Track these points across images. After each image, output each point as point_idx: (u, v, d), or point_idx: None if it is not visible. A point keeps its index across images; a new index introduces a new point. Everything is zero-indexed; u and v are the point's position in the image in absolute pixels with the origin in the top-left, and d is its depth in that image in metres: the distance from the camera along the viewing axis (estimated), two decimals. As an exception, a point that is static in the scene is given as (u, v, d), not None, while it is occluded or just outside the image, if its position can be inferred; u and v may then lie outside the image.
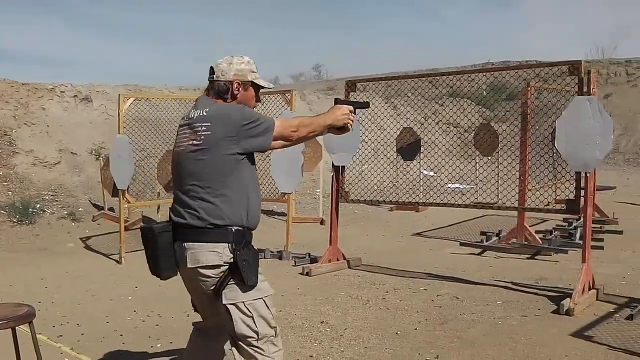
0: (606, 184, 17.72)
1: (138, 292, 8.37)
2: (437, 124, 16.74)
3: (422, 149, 12.50)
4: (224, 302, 3.70)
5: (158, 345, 6.24)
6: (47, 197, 14.33)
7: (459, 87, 21.57)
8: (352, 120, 4.12)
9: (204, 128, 3.72)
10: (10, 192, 14.06)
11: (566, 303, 6.85)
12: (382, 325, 6.64)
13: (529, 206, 9.69)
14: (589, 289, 7.28)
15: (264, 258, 9.90)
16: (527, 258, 9.83)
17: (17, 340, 4.59)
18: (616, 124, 24.25)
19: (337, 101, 4.16)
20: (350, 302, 7.58)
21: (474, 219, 13.53)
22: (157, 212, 12.89)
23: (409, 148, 13.80)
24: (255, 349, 3.72)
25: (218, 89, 3.92)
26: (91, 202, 14.71)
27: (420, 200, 14.40)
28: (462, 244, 10.82)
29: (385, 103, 21.68)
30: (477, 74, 10.36)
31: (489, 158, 15.37)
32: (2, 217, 13.13)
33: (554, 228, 11.66)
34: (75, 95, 17.55)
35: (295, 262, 9.70)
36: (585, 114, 7.10)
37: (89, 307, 7.72)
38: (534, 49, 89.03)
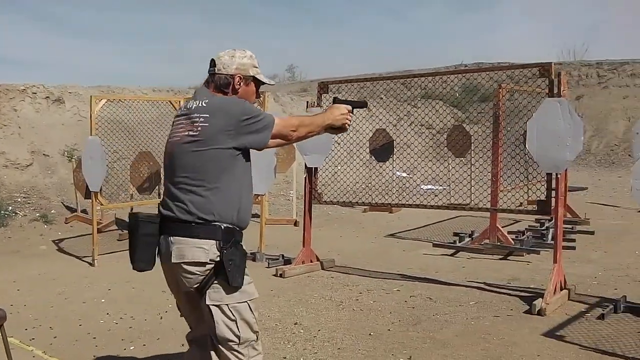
0: (578, 184, 17.91)
1: (111, 294, 8.33)
2: (409, 125, 16.76)
3: (395, 150, 12.53)
4: (207, 303, 3.61)
5: (131, 348, 6.20)
6: (19, 199, 14.22)
7: (431, 89, 21.69)
8: (350, 120, 4.07)
9: (202, 119, 3.63)
10: (-19, 195, 13.96)
11: (538, 303, 6.90)
12: (356, 326, 6.65)
13: (501, 207, 9.75)
14: (561, 289, 7.34)
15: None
16: (500, 259, 9.88)
17: (-12, 344, 4.56)
18: (587, 125, 24.54)
19: (335, 100, 4.09)
20: (324, 303, 7.59)
21: (447, 220, 13.58)
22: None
23: (382, 149, 13.84)
24: (235, 352, 3.64)
25: (219, 83, 3.83)
26: (64, 204, 14.62)
27: (394, 202, 14.49)
28: (435, 245, 10.85)
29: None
30: (449, 76, 10.41)
31: (462, 159, 15.45)
32: (-26, 220, 13.04)
33: (526, 229, 11.74)
34: (48, 97, 17.43)
35: (268, 263, 9.68)
36: (555, 116, 7.15)
37: (62, 309, 7.66)
38: (506, 51, 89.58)
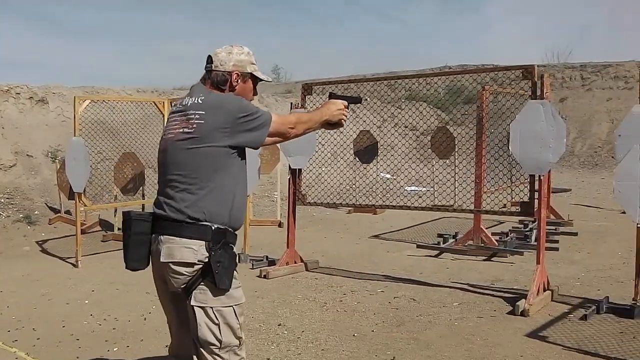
0: (562, 186, 17.96)
1: (95, 295, 8.31)
2: (394, 127, 16.80)
3: (379, 151, 12.55)
4: (192, 304, 3.54)
5: (115, 350, 6.19)
6: (2, 200, 14.16)
7: (416, 91, 21.68)
8: (346, 116, 4.03)
9: (197, 116, 3.57)
10: (-36, 196, 13.90)
11: (521, 304, 6.93)
12: (339, 327, 6.66)
13: (484, 209, 9.77)
14: (544, 290, 7.37)
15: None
16: (484, 260, 9.91)
17: (-30, 346, 4.55)
18: (571, 127, 24.67)
19: (331, 96, 4.05)
20: (308, 304, 7.59)
21: (431, 221, 13.60)
22: (114, 215, 12.80)
23: (366, 151, 13.87)
24: (215, 356, 3.57)
25: (216, 79, 3.75)
26: (47, 205, 14.57)
27: (378, 203, 14.50)
28: (419, 246, 10.86)
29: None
30: (433, 78, 10.43)
31: (446, 161, 15.49)
32: (-44, 221, 12.98)
33: (510, 230, 11.77)
34: (31, 97, 17.37)
35: (253, 264, 9.67)
36: (538, 118, 7.18)
37: (45, 311, 7.64)
38: (491, 53, 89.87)
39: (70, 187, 11.05)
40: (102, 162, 14.52)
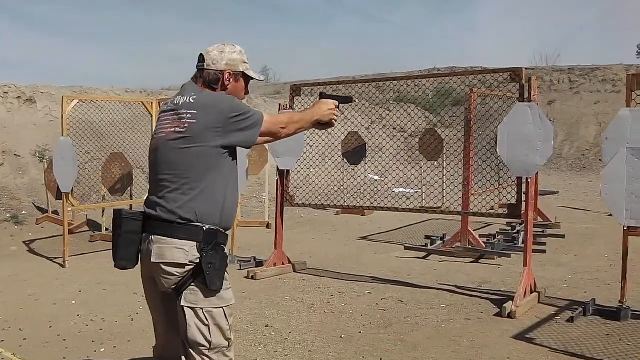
0: (549, 188, 18.02)
1: (82, 296, 8.28)
2: (382, 128, 16.82)
3: (367, 153, 12.56)
4: (182, 304, 3.52)
5: (102, 350, 6.18)
6: (-11, 200, 14.13)
7: (404, 92, 21.75)
8: (337, 116, 4.02)
9: (189, 116, 3.54)
10: (-49, 195, 13.84)
11: (508, 306, 6.94)
12: (327, 328, 6.66)
13: (472, 211, 9.79)
14: (531, 292, 7.38)
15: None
16: (471, 262, 9.92)
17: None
18: (559, 130, 24.76)
19: (322, 96, 4.03)
20: (295, 305, 7.59)
21: (419, 223, 13.61)
22: (102, 216, 12.77)
23: (354, 152, 13.89)
24: (204, 357, 3.55)
25: (208, 78, 3.73)
26: (35, 205, 14.53)
27: (366, 205, 14.51)
28: (407, 248, 10.88)
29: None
30: (421, 80, 10.44)
31: (434, 163, 15.52)
32: (-58, 221, 12.93)
33: (497, 232, 11.79)
34: (19, 97, 17.32)
35: (240, 265, 9.66)
36: (526, 120, 7.20)
37: (32, 311, 7.61)
38: (480, 55, 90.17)
39: (58, 187, 11.00)
40: (90, 162, 14.49)
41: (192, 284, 3.52)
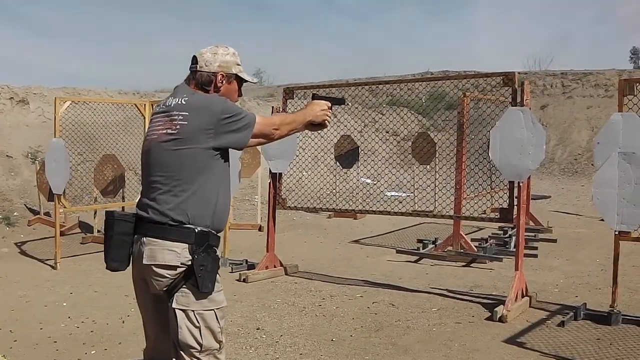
0: (542, 193, 18.07)
1: (73, 298, 8.27)
2: (375, 132, 16.84)
3: (360, 156, 12.56)
4: (173, 306, 3.50)
5: (92, 352, 6.17)
6: (-20, 202, 14.10)
7: (397, 96, 21.75)
8: (330, 117, 3.98)
9: (181, 117, 3.52)
10: (-58, 196, 13.80)
11: (499, 310, 6.95)
12: (318, 331, 6.66)
13: (464, 215, 9.80)
14: (522, 296, 7.39)
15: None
16: (463, 266, 9.94)
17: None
18: (552, 134, 24.84)
19: (314, 96, 3.99)
20: (287, 308, 7.59)
21: (411, 226, 13.61)
22: (94, 217, 12.75)
23: (347, 156, 13.90)
24: None
25: (201, 80, 3.71)
26: (27, 207, 14.50)
27: (359, 208, 14.51)
28: (398, 252, 10.89)
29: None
30: (414, 83, 10.45)
31: (427, 167, 15.53)
32: None
33: (489, 236, 11.80)
34: (12, 97, 17.29)
35: (232, 268, 9.65)
36: (518, 125, 7.21)
37: (23, 313, 7.59)
38: (473, 59, 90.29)
39: (50, 188, 10.99)
40: (82, 163, 14.45)
41: (184, 286, 3.50)
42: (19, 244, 12.33)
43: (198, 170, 3.54)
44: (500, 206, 7.78)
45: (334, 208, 13.28)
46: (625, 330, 6.51)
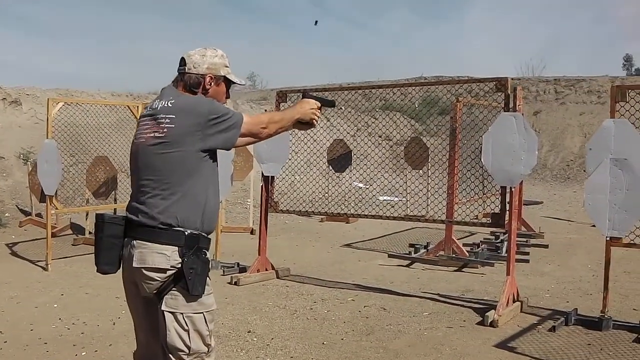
0: (534, 199, 18.10)
1: (64, 299, 8.25)
2: (368, 136, 16.86)
3: (353, 161, 12.56)
4: (162, 308, 3.49)
5: (83, 354, 6.15)
6: (-28, 202, 14.06)
7: (390, 100, 21.79)
8: (318, 117, 3.98)
9: (167, 120, 3.50)
10: None
11: (491, 315, 6.96)
12: (309, 335, 6.66)
13: (456, 219, 9.82)
14: (514, 301, 7.40)
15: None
16: (454, 270, 9.94)
17: None
18: (544, 140, 24.89)
19: (304, 95, 3.99)
20: (278, 312, 7.59)
21: (403, 231, 13.62)
22: (86, 219, 12.72)
23: (339, 160, 13.89)
24: None
25: (189, 82, 3.69)
26: (18, 208, 14.47)
27: (351, 212, 14.51)
28: (390, 256, 10.89)
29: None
30: (407, 88, 10.46)
31: (419, 171, 15.54)
32: None
33: (481, 241, 11.81)
34: (4, 98, 17.27)
35: (224, 271, 9.64)
36: (510, 130, 7.23)
37: (13, 314, 7.56)
38: (467, 65, 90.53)
39: (42, 189, 10.97)
40: (74, 165, 14.43)
41: (174, 288, 3.49)
42: (10, 245, 12.29)
43: (187, 173, 3.53)
44: (492, 211, 7.79)
45: (326, 212, 13.30)
46: (616, 336, 6.52)
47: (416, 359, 5.92)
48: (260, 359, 5.97)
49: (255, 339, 6.55)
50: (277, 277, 9.37)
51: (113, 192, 12.57)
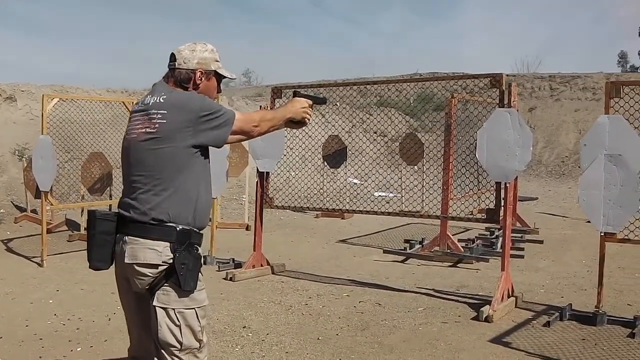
0: (529, 195, 18.12)
1: (59, 295, 8.25)
2: (363, 132, 16.87)
3: (348, 157, 12.56)
4: (154, 304, 3.49)
5: (78, 350, 6.15)
6: (-33, 198, 14.05)
7: (386, 97, 21.79)
8: (310, 115, 3.99)
9: (159, 116, 3.50)
10: None
11: (485, 310, 6.97)
12: (304, 330, 6.67)
13: (451, 215, 9.82)
14: (508, 297, 7.42)
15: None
16: (449, 266, 9.96)
17: None
18: (539, 136, 24.91)
19: (296, 94, 4.00)
20: (273, 307, 7.59)
21: (398, 226, 13.64)
22: (81, 215, 12.72)
23: (335, 156, 13.90)
24: (175, 358, 3.53)
25: (179, 77, 3.69)
26: (13, 204, 14.46)
27: (346, 208, 14.51)
28: (385, 252, 10.91)
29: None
30: (402, 84, 10.47)
31: (414, 167, 15.56)
32: None
33: (476, 237, 11.83)
34: (-1, 95, 17.26)
35: (219, 267, 9.64)
36: (505, 126, 7.24)
37: (8, 310, 7.56)
38: (462, 61, 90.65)
39: (37, 185, 10.97)
40: (69, 161, 14.43)
41: (165, 284, 3.50)
42: (5, 241, 12.29)
43: (178, 169, 3.52)
44: (487, 207, 7.80)
45: (321, 208, 13.28)
46: (610, 331, 6.54)
47: (411, 354, 5.93)
48: (256, 354, 5.98)
49: (250, 334, 6.56)
50: (273, 273, 9.38)
51: (108, 188, 12.58)
